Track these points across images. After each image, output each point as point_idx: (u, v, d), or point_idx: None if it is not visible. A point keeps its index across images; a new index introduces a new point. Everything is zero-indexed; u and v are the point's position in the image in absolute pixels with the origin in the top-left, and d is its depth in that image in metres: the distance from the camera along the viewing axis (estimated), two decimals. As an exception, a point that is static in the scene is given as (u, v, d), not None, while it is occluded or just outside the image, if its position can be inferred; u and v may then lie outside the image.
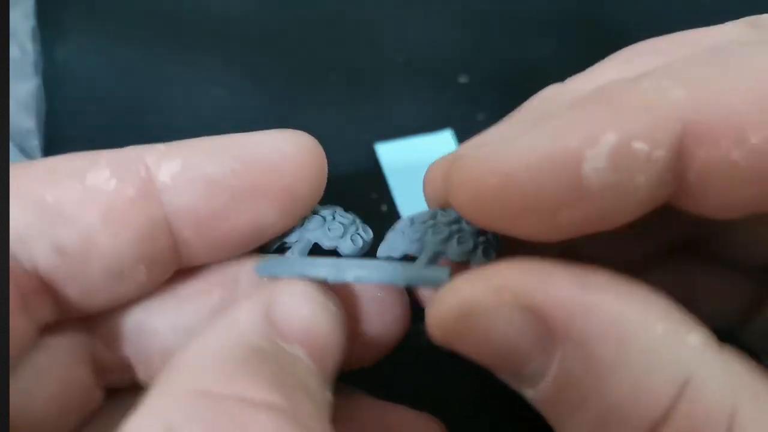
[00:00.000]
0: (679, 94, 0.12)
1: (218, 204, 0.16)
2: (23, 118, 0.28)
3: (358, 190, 0.28)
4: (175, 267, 0.17)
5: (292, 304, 0.15)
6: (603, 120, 0.13)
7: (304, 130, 0.29)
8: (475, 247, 0.17)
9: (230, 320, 0.15)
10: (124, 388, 0.19)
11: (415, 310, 0.26)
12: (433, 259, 0.17)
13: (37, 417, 0.16)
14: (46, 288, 0.16)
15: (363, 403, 0.19)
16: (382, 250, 0.19)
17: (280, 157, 0.17)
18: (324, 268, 0.16)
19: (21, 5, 0.30)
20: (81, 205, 0.15)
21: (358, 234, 0.19)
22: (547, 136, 0.13)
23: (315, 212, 0.19)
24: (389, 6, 0.32)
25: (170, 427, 0.12)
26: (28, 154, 0.27)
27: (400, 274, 0.16)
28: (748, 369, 0.13)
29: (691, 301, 0.18)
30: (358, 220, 0.19)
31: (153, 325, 0.18)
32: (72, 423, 0.17)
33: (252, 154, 0.16)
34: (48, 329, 0.17)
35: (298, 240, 0.19)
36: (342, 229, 0.18)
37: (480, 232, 0.18)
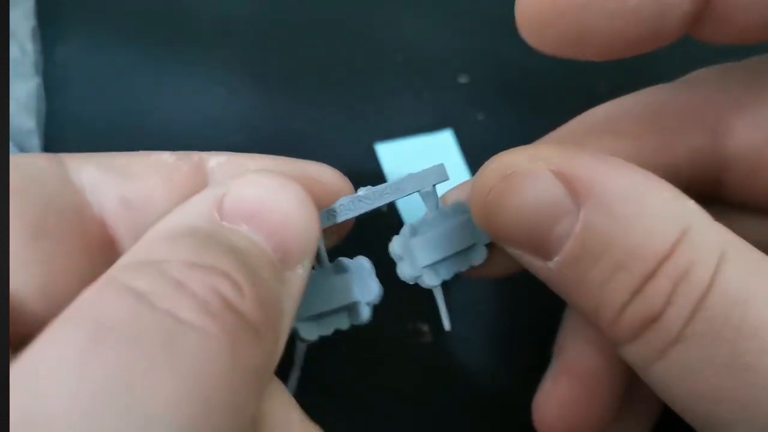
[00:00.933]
0: None
1: None
2: (23, 118, 0.28)
3: (358, 190, 0.28)
4: None
5: (242, 189, 0.16)
6: None
7: (305, 130, 0.29)
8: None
9: (181, 211, 0.16)
10: None
11: (416, 309, 0.26)
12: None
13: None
14: (108, 239, 0.18)
15: None
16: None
17: (315, 173, 0.19)
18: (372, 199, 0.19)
19: (21, 5, 0.30)
20: (146, 168, 0.18)
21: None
22: None
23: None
24: (389, 6, 0.32)
25: (107, 278, 0.14)
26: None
27: (411, 182, 0.19)
28: (731, 231, 0.16)
29: None
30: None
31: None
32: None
33: (293, 165, 0.19)
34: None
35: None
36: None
37: None
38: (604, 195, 0.16)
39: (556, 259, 0.16)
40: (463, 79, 0.31)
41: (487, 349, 0.26)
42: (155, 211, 0.18)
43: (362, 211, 0.19)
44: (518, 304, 0.27)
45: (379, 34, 0.32)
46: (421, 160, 0.28)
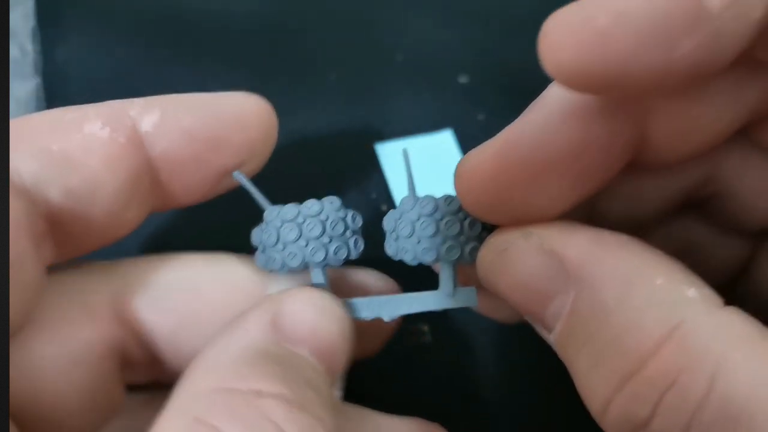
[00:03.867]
0: None
1: (191, 152, 0.19)
2: (23, 118, 0.28)
3: (358, 190, 0.28)
4: (151, 209, 0.20)
5: (296, 310, 0.17)
6: None
7: (305, 130, 0.29)
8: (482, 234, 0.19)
9: (241, 328, 0.17)
10: (140, 388, 0.21)
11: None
12: (453, 273, 0.19)
13: (67, 409, 0.18)
14: (54, 229, 0.17)
15: (371, 419, 0.21)
16: (390, 250, 0.19)
17: (243, 113, 0.19)
18: (365, 311, 0.19)
19: (21, 5, 0.30)
20: (84, 152, 0.17)
21: (346, 244, 0.19)
22: None
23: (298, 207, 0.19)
24: (389, 6, 0.32)
25: (198, 418, 0.14)
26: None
27: (436, 304, 0.19)
28: (746, 323, 0.14)
29: (687, 255, 0.19)
30: (348, 225, 0.19)
31: (186, 331, 0.20)
32: (98, 418, 0.19)
33: (222, 110, 0.19)
34: (86, 323, 0.18)
35: (266, 227, 0.19)
36: (320, 229, 0.19)
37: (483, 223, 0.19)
38: (593, 280, 0.15)
39: (551, 335, 0.16)
40: (463, 79, 0.31)
41: (487, 349, 0.26)
42: (100, 198, 0.17)
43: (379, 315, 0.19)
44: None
45: (379, 34, 0.32)
46: (421, 160, 0.28)
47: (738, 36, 0.13)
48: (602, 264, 0.15)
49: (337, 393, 0.18)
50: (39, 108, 0.28)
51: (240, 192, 0.20)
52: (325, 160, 0.28)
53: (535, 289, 0.16)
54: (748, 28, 0.13)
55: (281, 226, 0.19)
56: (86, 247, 0.19)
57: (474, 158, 0.17)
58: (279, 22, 0.31)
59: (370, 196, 0.28)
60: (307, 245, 0.19)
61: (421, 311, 0.19)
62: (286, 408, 0.15)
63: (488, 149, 0.17)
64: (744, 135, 0.18)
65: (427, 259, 0.18)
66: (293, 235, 0.18)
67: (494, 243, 0.17)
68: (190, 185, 0.19)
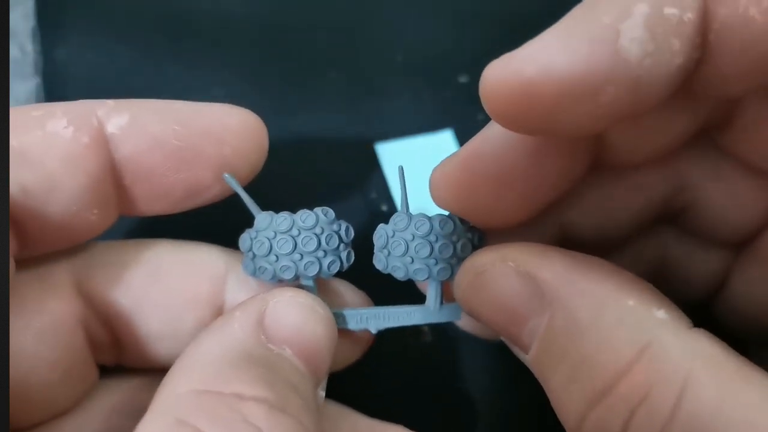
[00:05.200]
0: None
1: (157, 159, 0.18)
2: (23, 118, 0.28)
3: (358, 190, 0.28)
4: (118, 213, 0.19)
5: (281, 310, 0.17)
6: None
7: (304, 130, 0.29)
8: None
9: (226, 327, 0.17)
10: (110, 370, 0.21)
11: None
12: (440, 290, 0.20)
13: (43, 380, 0.18)
14: (13, 224, 0.17)
15: (359, 422, 0.21)
16: (380, 264, 0.19)
17: (221, 128, 0.18)
18: (353, 322, 0.19)
19: (21, 5, 0.30)
20: (43, 150, 0.17)
21: (339, 257, 0.19)
22: (578, 21, 0.13)
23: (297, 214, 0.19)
24: (389, 6, 0.32)
25: (180, 419, 0.14)
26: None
27: (422, 318, 0.20)
28: (713, 344, 0.14)
29: (667, 269, 0.21)
30: (342, 239, 0.19)
31: (144, 311, 0.19)
32: (73, 394, 0.19)
33: (195, 121, 0.18)
34: (49, 298, 0.18)
35: (258, 236, 0.19)
36: (315, 243, 0.19)
37: (472, 235, 0.19)
38: (567, 300, 0.15)
39: (527, 356, 0.17)
40: (463, 79, 0.31)
41: (487, 349, 0.26)
42: (58, 197, 0.17)
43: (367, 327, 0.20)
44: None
45: (379, 34, 0.32)
46: (421, 160, 0.28)
47: (661, 81, 0.13)
48: (576, 285, 0.15)
49: (321, 394, 0.18)
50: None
51: (236, 198, 0.19)
52: (325, 160, 0.28)
53: (511, 309, 0.16)
54: (670, 74, 0.13)
55: (275, 237, 0.19)
56: (46, 246, 0.18)
57: (442, 168, 0.17)
58: (279, 22, 0.31)
59: (370, 196, 0.28)
60: (301, 258, 0.19)
61: (408, 325, 0.20)
62: (267, 411, 0.15)
63: (454, 160, 0.17)
64: (709, 143, 0.18)
65: (418, 277, 0.19)
66: (288, 247, 0.18)
67: (471, 266, 0.17)
68: (157, 193, 0.19)
